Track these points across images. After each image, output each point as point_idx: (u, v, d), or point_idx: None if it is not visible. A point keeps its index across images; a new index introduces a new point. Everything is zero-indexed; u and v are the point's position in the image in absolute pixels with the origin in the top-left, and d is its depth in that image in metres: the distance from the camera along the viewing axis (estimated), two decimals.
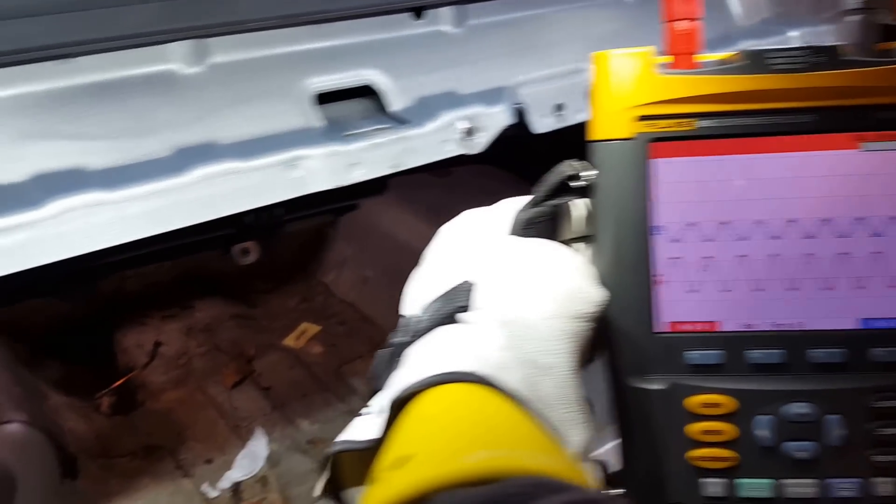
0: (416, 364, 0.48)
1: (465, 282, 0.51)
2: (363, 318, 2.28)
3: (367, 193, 1.05)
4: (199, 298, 2.35)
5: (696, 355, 0.54)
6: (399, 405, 0.46)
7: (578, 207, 0.58)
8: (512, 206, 0.58)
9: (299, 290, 2.44)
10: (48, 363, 2.00)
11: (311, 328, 2.27)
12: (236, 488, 1.79)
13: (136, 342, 2.15)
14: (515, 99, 0.83)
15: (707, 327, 0.55)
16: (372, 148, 0.77)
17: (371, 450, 0.48)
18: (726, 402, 0.53)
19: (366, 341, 2.21)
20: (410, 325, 0.52)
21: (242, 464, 1.84)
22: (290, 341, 2.23)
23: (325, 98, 0.82)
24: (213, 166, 0.69)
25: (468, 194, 2.04)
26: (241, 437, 1.91)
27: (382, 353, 0.54)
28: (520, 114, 0.86)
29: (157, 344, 2.14)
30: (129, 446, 1.88)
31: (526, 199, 0.58)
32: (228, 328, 2.25)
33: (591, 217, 0.57)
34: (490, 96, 0.83)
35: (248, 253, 1.29)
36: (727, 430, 0.54)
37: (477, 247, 0.55)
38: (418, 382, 0.45)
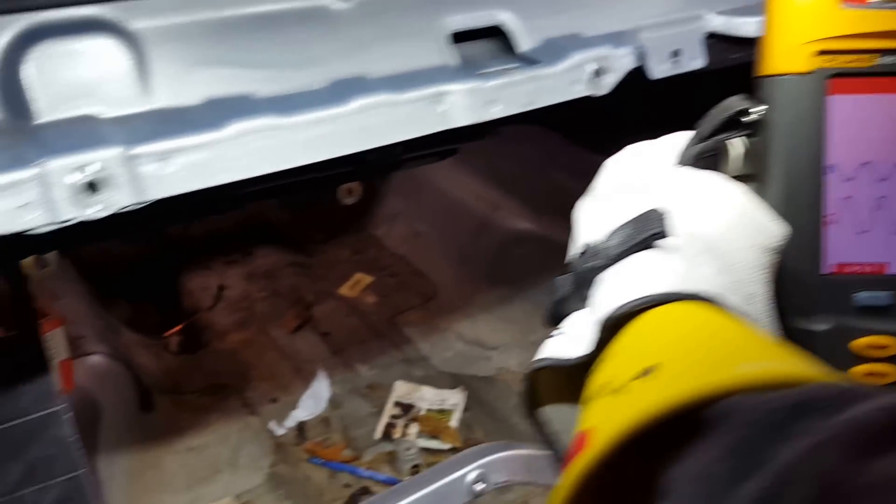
0: (622, 286, 0.48)
1: (654, 210, 0.51)
2: (414, 272, 2.30)
3: (466, 139, 1.06)
4: (258, 246, 2.37)
5: (863, 297, 0.53)
6: (613, 324, 0.46)
7: (736, 147, 0.58)
8: (677, 141, 0.58)
9: (351, 243, 2.46)
10: (118, 303, 2.02)
11: (364, 278, 2.29)
12: (301, 427, 1.82)
13: (200, 285, 2.18)
14: (636, 43, 0.84)
15: (875, 269, 0.54)
16: (507, 86, 0.78)
17: (573, 367, 0.48)
18: (893, 344, 0.52)
19: (417, 294, 2.23)
20: (599, 251, 0.52)
21: (306, 404, 1.87)
22: (344, 290, 2.25)
23: (458, 38, 0.83)
24: (368, 98, 0.70)
25: (519, 155, 2.05)
26: (304, 378, 1.94)
27: (563, 279, 0.55)
28: (640, 58, 0.86)
29: (221, 288, 2.17)
30: (197, 383, 1.91)
31: (689, 134, 0.58)
32: (287, 275, 2.27)
33: (749, 156, 0.57)
34: (615, 39, 0.84)
35: (352, 193, 1.30)
36: (892, 372, 0.53)
37: (656, 177, 0.56)
38: (641, 300, 0.46)
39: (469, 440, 1.79)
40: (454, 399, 1.88)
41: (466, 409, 1.86)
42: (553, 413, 0.54)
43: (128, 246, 2.10)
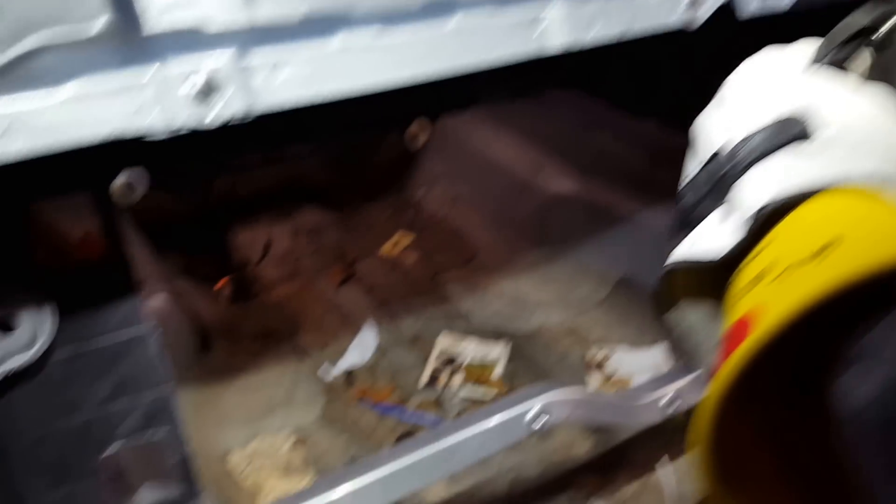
0: (776, 180, 0.48)
1: (797, 110, 0.51)
2: (454, 233, 2.31)
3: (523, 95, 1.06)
4: (301, 205, 2.38)
5: None
6: (764, 219, 0.46)
7: (864, 59, 0.57)
8: (808, 48, 0.58)
9: (391, 204, 2.48)
10: (172, 254, 2.04)
11: (404, 238, 2.30)
12: (349, 374, 1.84)
13: (248, 240, 2.20)
14: None
15: None
16: (605, 9, 0.77)
17: (708, 267, 0.48)
18: None
19: (458, 254, 2.24)
20: (738, 154, 0.52)
21: (354, 352, 1.89)
22: (386, 249, 2.26)
23: None
24: (467, 15, 0.70)
25: (561, 118, 2.05)
26: (351, 329, 1.96)
27: (695, 184, 0.55)
28: None
29: (268, 243, 2.18)
30: (249, 330, 1.94)
31: (817, 43, 0.58)
32: (330, 233, 2.29)
33: (875, 69, 0.57)
34: None
35: (418, 138, 1.30)
36: None
37: (792, 80, 0.55)
38: (805, 189, 0.45)
39: (511, 391, 1.80)
40: (497, 352, 1.89)
41: (509, 363, 1.87)
42: (685, 313, 0.54)
43: (180, 201, 2.12)
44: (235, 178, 2.26)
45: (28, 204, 0.86)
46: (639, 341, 1.90)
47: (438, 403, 1.78)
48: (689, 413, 1.37)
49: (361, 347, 1.93)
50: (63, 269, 0.89)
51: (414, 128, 1.08)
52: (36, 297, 0.87)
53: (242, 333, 1.95)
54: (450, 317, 2.03)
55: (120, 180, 0.85)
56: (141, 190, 0.88)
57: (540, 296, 2.05)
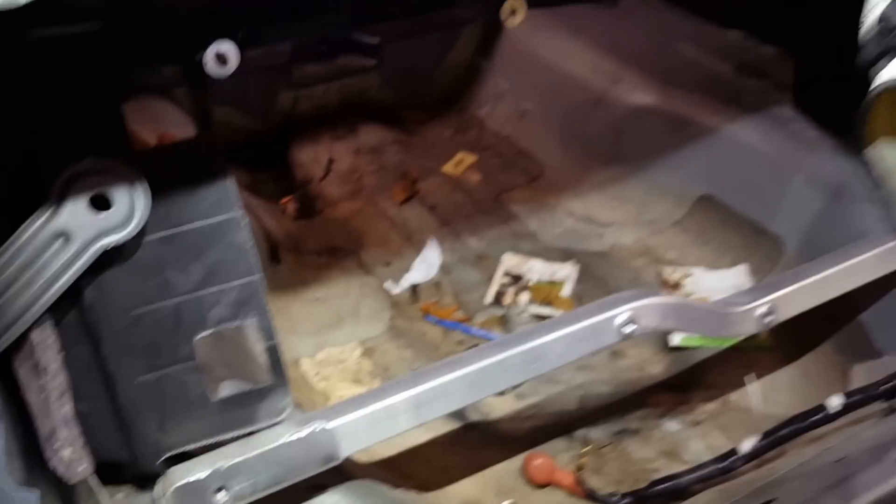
0: None
1: None
2: (519, 152, 2.29)
3: None
4: (362, 124, 2.37)
5: None
6: None
7: None
8: None
9: (453, 123, 2.45)
10: (235, 170, 2.05)
11: (467, 157, 2.29)
12: (414, 289, 1.85)
13: (311, 158, 2.21)
14: None
15: None
16: None
17: None
18: None
19: (523, 173, 2.23)
20: None
21: (419, 268, 1.90)
22: (448, 168, 2.26)
23: None
24: None
25: (641, 28, 1.99)
26: (415, 246, 1.96)
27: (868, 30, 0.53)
28: None
29: (331, 160, 2.19)
30: (315, 245, 1.96)
31: None
32: (392, 152, 2.29)
33: None
34: None
35: (516, 14, 1.27)
36: None
37: None
38: None
39: None
40: (565, 271, 1.89)
41: (578, 282, 1.86)
42: (885, 152, 0.53)
43: (245, 117, 2.13)
44: (297, 95, 2.26)
45: (123, 80, 0.87)
46: (717, 263, 1.87)
47: (504, 320, 1.79)
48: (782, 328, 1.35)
49: (425, 264, 1.94)
50: (157, 150, 0.90)
51: (510, 4, 1.05)
52: (132, 174, 0.88)
53: (308, 249, 1.97)
54: (515, 236, 2.02)
55: (212, 51, 0.85)
56: (233, 62, 0.87)
57: (612, 216, 2.02)
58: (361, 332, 1.75)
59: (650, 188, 2.05)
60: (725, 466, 1.31)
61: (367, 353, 1.70)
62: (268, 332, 1.01)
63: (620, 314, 1.18)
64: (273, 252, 1.85)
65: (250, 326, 1.00)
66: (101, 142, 0.88)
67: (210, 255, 0.97)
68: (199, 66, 0.89)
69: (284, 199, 2.09)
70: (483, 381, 1.11)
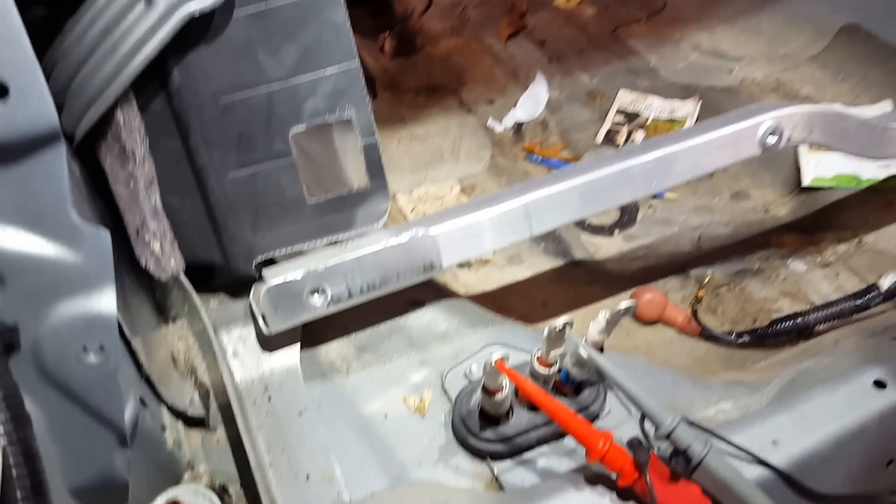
0: None
1: None
2: None
3: None
4: None
5: None
6: None
7: None
8: None
9: None
10: None
11: None
12: (519, 127, 1.78)
13: None
14: None
15: None
16: None
17: None
18: None
19: (643, 6, 2.09)
20: None
21: (525, 105, 1.83)
22: (560, 2, 2.13)
23: None
24: None
25: None
26: (520, 83, 1.89)
27: None
28: None
29: None
30: (413, 83, 1.91)
31: None
32: None
33: None
34: None
35: None
36: None
37: None
38: None
39: None
40: (686, 109, 1.78)
41: (699, 120, 1.75)
42: None
43: None
44: None
45: None
46: (856, 101, 1.73)
47: None
48: None
49: (532, 101, 1.86)
50: None
51: None
52: None
53: (407, 86, 1.91)
54: (632, 72, 1.91)
55: None
56: None
57: (742, 49, 1.89)
58: (460, 171, 1.70)
59: (786, 19, 1.90)
60: (861, 304, 1.22)
61: (467, 190, 1.66)
62: (367, 128, 0.97)
63: (764, 122, 1.08)
64: (369, 87, 1.80)
65: (348, 121, 0.96)
66: None
67: (305, 36, 0.92)
68: None
69: (382, 36, 2.02)
70: (601, 191, 1.05)
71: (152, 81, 0.89)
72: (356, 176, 1.00)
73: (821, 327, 1.25)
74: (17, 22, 0.54)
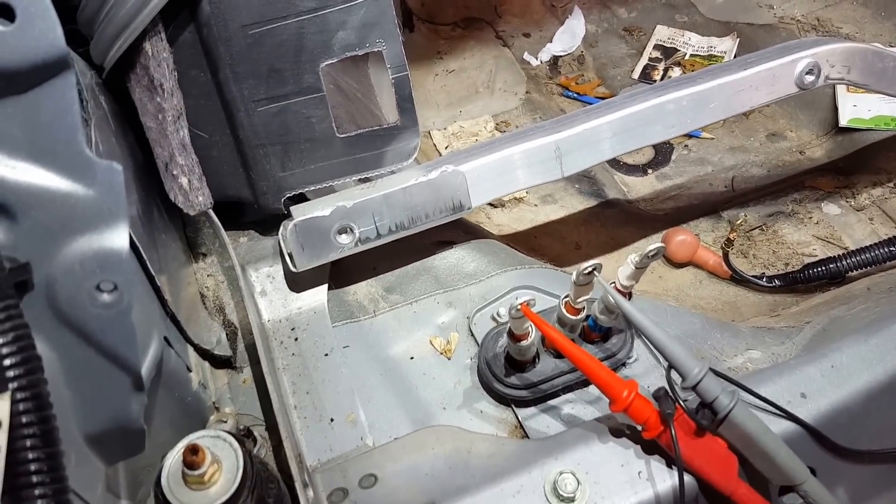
0: None
1: None
2: None
3: None
4: None
5: None
6: None
7: None
8: None
9: None
10: None
11: None
12: (555, 61, 1.71)
13: None
14: None
15: None
16: None
17: None
18: None
19: None
20: None
21: (562, 38, 1.75)
22: None
23: None
24: None
25: None
26: (557, 16, 1.80)
27: None
28: None
29: None
30: (450, 16, 1.82)
31: None
32: None
33: None
34: None
35: None
36: None
37: None
38: None
39: None
40: (725, 45, 1.68)
41: (737, 57, 1.65)
42: None
43: None
44: None
45: None
46: None
47: None
48: None
49: (568, 34, 1.77)
50: None
51: None
52: None
53: (443, 19, 1.83)
54: (670, 7, 1.81)
55: None
56: None
57: None
58: (495, 106, 1.63)
59: None
60: (895, 251, 1.15)
61: (501, 126, 1.59)
62: (397, 62, 0.91)
63: (801, 60, 1.01)
64: (406, 20, 1.72)
65: (379, 54, 0.90)
66: None
67: None
68: None
69: None
70: (636, 129, 0.98)
71: (182, 12, 0.84)
72: (387, 111, 0.94)
73: (853, 273, 1.19)
74: None
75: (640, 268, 0.78)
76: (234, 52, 0.87)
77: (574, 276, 0.77)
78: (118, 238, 0.51)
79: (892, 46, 1.61)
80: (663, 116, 0.97)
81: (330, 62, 0.89)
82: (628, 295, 0.82)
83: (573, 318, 0.81)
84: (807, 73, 1.01)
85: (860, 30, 1.68)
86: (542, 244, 1.36)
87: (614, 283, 0.81)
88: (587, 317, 0.84)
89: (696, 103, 0.97)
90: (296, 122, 0.92)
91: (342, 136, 0.93)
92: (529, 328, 0.78)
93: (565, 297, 0.82)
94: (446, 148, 1.55)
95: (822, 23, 1.70)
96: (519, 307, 0.72)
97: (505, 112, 1.62)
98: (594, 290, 0.79)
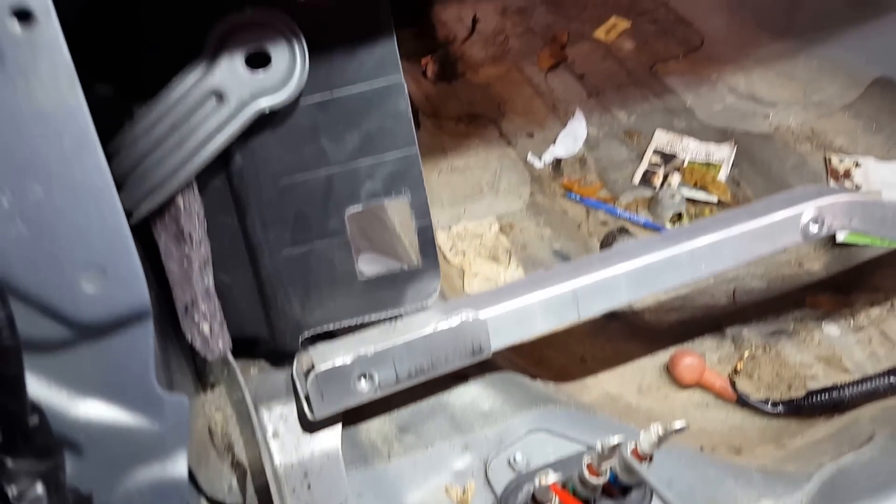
0: None
1: None
2: (677, 19, 2.05)
3: None
4: None
5: None
6: None
7: None
8: None
9: None
10: None
11: (620, 23, 2.07)
12: (557, 163, 1.71)
13: (455, 16, 2.05)
14: None
15: None
16: None
17: None
18: None
19: (680, 42, 2.01)
20: None
21: (564, 142, 1.75)
22: (600, 34, 2.05)
23: None
24: None
25: None
26: (559, 117, 1.81)
27: None
28: None
29: (475, 19, 2.01)
30: (454, 111, 1.83)
31: None
32: (540, 13, 2.09)
33: None
34: None
35: None
36: None
37: None
38: None
39: (736, 196, 1.62)
40: (721, 153, 1.70)
41: (734, 166, 1.68)
42: None
43: None
44: None
45: None
46: (889, 154, 1.66)
47: (652, 202, 1.63)
48: None
49: (570, 137, 1.78)
50: (316, 4, 0.77)
51: None
52: (293, 29, 0.76)
53: (447, 114, 1.84)
54: (669, 112, 1.83)
55: None
56: None
57: (777, 94, 1.81)
58: (500, 207, 1.63)
59: (821, 66, 1.82)
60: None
61: (505, 228, 1.59)
62: (421, 211, 0.90)
63: (806, 211, 1.02)
64: (414, 115, 1.73)
65: (403, 203, 0.89)
66: None
67: (367, 123, 0.85)
68: None
69: (424, 59, 1.94)
70: (649, 277, 0.99)
71: (214, 163, 0.83)
72: (408, 255, 0.94)
73: (858, 401, 1.20)
74: (120, 214, 0.48)
75: (664, 439, 0.78)
76: (264, 199, 0.86)
77: (598, 446, 0.76)
78: (179, 467, 0.50)
79: (883, 160, 1.64)
80: (676, 266, 0.98)
81: (356, 209, 0.89)
82: (650, 458, 0.81)
83: (595, 480, 0.80)
84: (812, 224, 1.02)
85: (853, 142, 1.70)
86: (547, 356, 1.35)
87: (636, 446, 0.80)
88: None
89: (707, 254, 0.99)
90: (318, 265, 0.91)
91: (364, 277, 0.92)
92: (554, 498, 0.77)
93: (587, 457, 0.81)
94: (450, 249, 1.55)
95: (816, 134, 1.72)
96: (549, 487, 0.71)
97: (509, 214, 1.62)
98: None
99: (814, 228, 1.03)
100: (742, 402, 1.24)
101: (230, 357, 0.90)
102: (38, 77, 0.42)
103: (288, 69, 0.77)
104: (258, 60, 0.77)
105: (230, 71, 0.76)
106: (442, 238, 1.57)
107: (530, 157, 1.74)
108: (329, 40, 0.80)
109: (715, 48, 1.95)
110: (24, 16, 0.41)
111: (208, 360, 0.88)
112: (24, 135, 0.43)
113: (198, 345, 0.87)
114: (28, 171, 0.44)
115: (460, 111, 1.85)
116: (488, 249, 1.56)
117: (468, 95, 1.90)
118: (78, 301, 0.48)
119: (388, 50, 0.82)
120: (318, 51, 0.79)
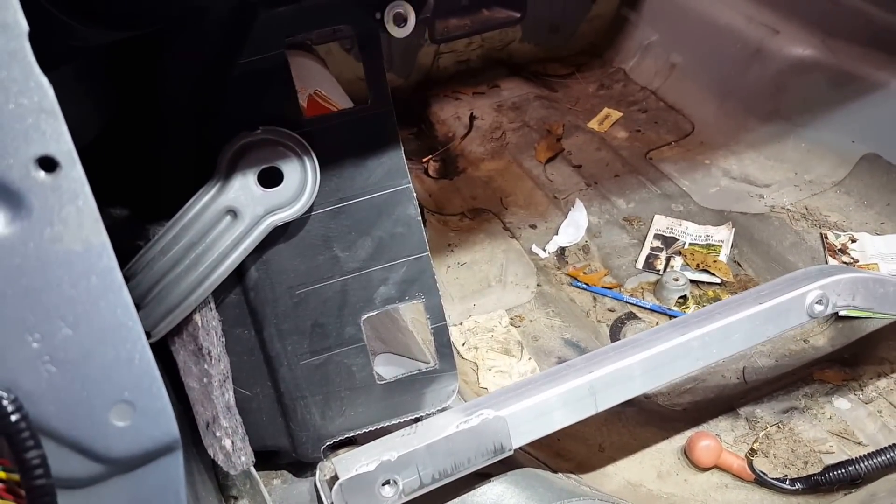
0: None
1: None
2: (667, 107, 2.09)
3: None
4: (503, 79, 2.22)
5: None
6: None
7: None
8: None
9: (597, 77, 2.28)
10: None
11: (613, 113, 2.11)
12: (561, 252, 1.70)
13: (452, 114, 2.08)
14: None
15: None
16: None
17: None
18: None
19: (672, 130, 2.04)
20: None
21: (566, 231, 1.75)
22: (593, 125, 2.08)
23: None
24: None
25: None
26: (560, 207, 1.81)
27: None
28: None
29: (473, 117, 2.04)
30: (458, 207, 1.84)
31: None
32: (535, 108, 2.13)
33: None
34: None
35: None
36: None
37: None
38: None
39: (738, 277, 1.61)
40: (720, 235, 1.70)
41: (734, 246, 1.68)
42: None
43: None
44: (439, 50, 2.12)
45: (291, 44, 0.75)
46: (882, 228, 1.66)
47: (656, 286, 1.62)
48: None
49: (573, 227, 1.79)
50: (328, 118, 0.78)
51: None
52: (303, 146, 0.76)
53: (450, 210, 1.85)
54: (666, 196, 1.84)
55: (391, 11, 0.72)
56: (411, 22, 0.74)
57: (769, 176, 1.82)
58: (508, 299, 1.62)
59: (810, 147, 1.84)
60: None
61: (515, 320, 1.58)
62: (436, 312, 0.89)
63: (810, 292, 1.01)
64: (420, 213, 1.74)
65: (418, 306, 0.89)
66: (270, 111, 0.77)
67: (379, 230, 0.85)
68: (376, 27, 0.76)
69: (426, 158, 1.97)
70: (662, 366, 0.97)
71: (229, 277, 0.83)
72: (425, 357, 0.92)
73: (874, 475, 1.17)
74: (146, 348, 0.48)
75: None
76: (280, 311, 0.85)
77: None
78: None
79: (877, 234, 1.64)
80: (688, 352, 0.97)
81: (371, 314, 0.88)
82: None
83: None
84: (816, 304, 1.01)
85: (847, 218, 1.70)
86: (566, 448, 1.32)
87: None
88: None
89: (717, 339, 0.98)
90: (337, 373, 0.89)
91: (382, 382, 0.90)
92: None
93: None
94: (463, 344, 1.53)
95: (810, 212, 1.72)
96: None
97: (518, 306, 1.61)
98: None
99: (819, 308, 1.02)
100: (761, 481, 1.22)
101: (253, 470, 0.88)
102: (63, 221, 0.42)
103: (300, 184, 0.77)
104: (270, 177, 0.77)
105: (243, 189, 0.76)
106: (455, 334, 1.55)
107: (535, 248, 1.74)
108: (339, 154, 0.80)
109: (706, 134, 1.98)
110: (48, 163, 0.41)
111: (231, 473, 0.86)
112: (51, 277, 0.43)
113: (220, 460, 0.85)
114: (56, 312, 0.43)
115: (464, 206, 1.86)
116: (500, 343, 1.54)
117: (470, 190, 1.91)
118: (108, 436, 0.47)
119: (396, 160, 0.83)
120: (329, 164, 0.79)
